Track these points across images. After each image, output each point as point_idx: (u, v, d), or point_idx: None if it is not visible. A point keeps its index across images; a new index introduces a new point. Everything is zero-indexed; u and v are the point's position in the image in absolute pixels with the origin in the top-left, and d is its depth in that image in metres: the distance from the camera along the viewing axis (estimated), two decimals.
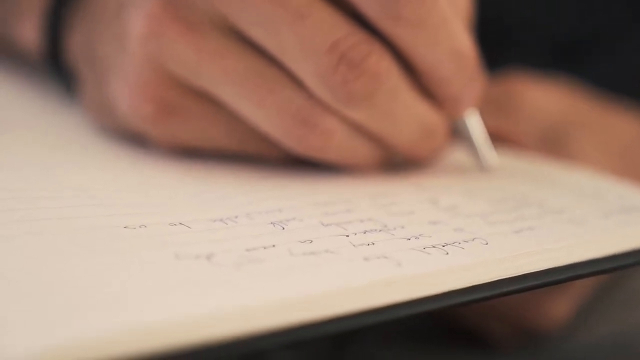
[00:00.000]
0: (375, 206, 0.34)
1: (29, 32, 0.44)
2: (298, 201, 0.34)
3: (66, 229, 0.29)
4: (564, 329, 0.44)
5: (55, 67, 0.42)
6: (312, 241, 0.30)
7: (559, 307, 0.43)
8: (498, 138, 0.44)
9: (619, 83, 0.52)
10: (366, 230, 0.31)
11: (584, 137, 0.44)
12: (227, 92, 0.35)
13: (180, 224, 0.30)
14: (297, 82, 0.34)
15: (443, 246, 0.30)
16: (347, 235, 0.30)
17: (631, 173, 0.44)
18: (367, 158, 0.37)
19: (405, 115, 0.35)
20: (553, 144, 0.44)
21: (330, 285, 0.26)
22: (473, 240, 0.31)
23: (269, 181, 0.36)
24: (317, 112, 0.34)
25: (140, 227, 0.30)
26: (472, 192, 0.37)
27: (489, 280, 0.29)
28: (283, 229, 0.31)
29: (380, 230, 0.31)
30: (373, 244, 0.30)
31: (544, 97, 0.45)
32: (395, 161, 0.38)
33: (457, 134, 0.38)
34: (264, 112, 0.34)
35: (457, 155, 0.41)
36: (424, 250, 0.30)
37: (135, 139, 0.38)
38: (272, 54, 0.34)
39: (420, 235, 0.31)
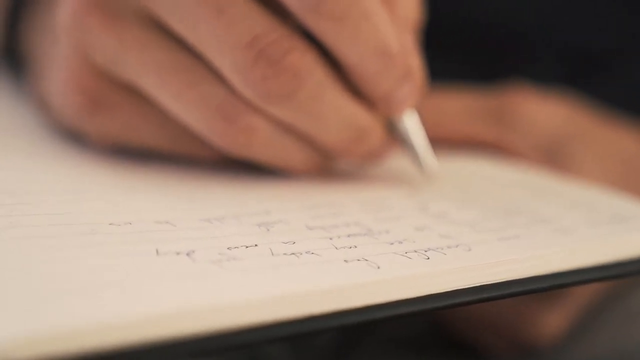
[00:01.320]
0: (364, 211, 0.34)
1: None
2: (287, 204, 0.34)
3: (49, 224, 0.29)
4: (560, 342, 0.44)
5: (11, 61, 0.43)
6: (294, 242, 0.30)
7: (554, 320, 0.43)
8: (497, 148, 0.44)
9: (634, 100, 0.52)
10: (350, 234, 0.31)
11: (583, 150, 0.44)
12: (148, 83, 0.35)
13: (166, 222, 0.31)
14: (219, 77, 0.34)
15: (425, 251, 0.30)
16: (331, 238, 0.31)
17: (631, 187, 0.43)
18: (299, 159, 0.36)
19: (332, 114, 0.35)
20: (552, 156, 0.44)
21: (305, 285, 0.26)
22: (457, 246, 0.31)
23: (261, 183, 0.36)
24: (238, 108, 0.34)
25: (125, 224, 0.30)
26: (465, 199, 0.37)
27: (468, 286, 0.29)
28: (268, 230, 0.31)
29: (364, 234, 0.31)
30: (355, 247, 0.30)
31: (544, 110, 0.45)
32: (332, 163, 0.38)
33: (397, 136, 0.37)
34: (185, 105, 0.34)
35: (451, 162, 0.41)
36: (405, 254, 0.30)
37: (74, 135, 0.38)
38: (194, 48, 0.34)
39: (404, 240, 0.31)
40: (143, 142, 0.37)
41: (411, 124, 0.37)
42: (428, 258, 0.30)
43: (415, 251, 0.30)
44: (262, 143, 0.35)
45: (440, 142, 0.44)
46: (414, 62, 0.36)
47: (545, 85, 0.51)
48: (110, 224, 0.30)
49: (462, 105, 0.46)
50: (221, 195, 0.35)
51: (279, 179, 0.37)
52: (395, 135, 0.37)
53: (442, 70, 0.56)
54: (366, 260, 0.29)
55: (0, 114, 0.43)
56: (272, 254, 0.29)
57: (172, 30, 0.34)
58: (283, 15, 0.34)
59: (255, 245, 0.29)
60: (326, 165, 0.38)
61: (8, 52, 0.44)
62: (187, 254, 0.28)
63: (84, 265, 0.26)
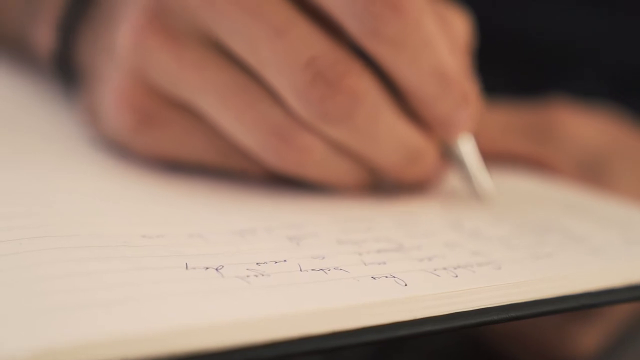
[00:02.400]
0: (396, 226, 0.34)
1: (43, 35, 0.45)
2: (320, 217, 0.34)
3: (83, 234, 0.30)
4: (594, 357, 0.43)
5: (63, 72, 0.44)
6: (324, 257, 0.30)
7: (588, 337, 0.42)
8: (537, 164, 0.44)
9: None
10: (380, 249, 0.31)
11: (623, 167, 0.44)
12: (207, 103, 0.35)
13: (199, 235, 0.31)
14: (276, 97, 0.34)
15: (454, 268, 0.30)
16: (361, 254, 0.31)
17: None
18: (350, 178, 0.37)
19: (387, 136, 0.35)
20: (592, 172, 0.44)
21: (330, 302, 0.27)
22: (487, 264, 0.31)
23: (296, 195, 0.37)
24: (295, 128, 0.34)
25: (157, 236, 0.31)
26: (499, 215, 0.37)
27: (494, 305, 0.29)
28: (298, 244, 0.31)
29: (394, 250, 0.31)
30: (384, 263, 0.30)
31: (585, 126, 0.45)
32: (385, 185, 0.38)
33: (452, 160, 0.38)
34: (242, 125, 0.35)
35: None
36: (434, 272, 0.30)
37: (120, 149, 0.39)
38: (252, 68, 0.34)
39: (434, 256, 0.31)
40: (192, 158, 0.37)
41: (467, 148, 0.37)
42: (456, 276, 0.30)
43: (445, 268, 0.30)
44: (316, 162, 0.35)
45: (481, 156, 0.44)
46: (470, 85, 0.36)
47: (589, 101, 0.51)
48: (142, 236, 0.30)
49: (503, 120, 0.46)
50: (255, 207, 0.35)
51: (313, 192, 0.37)
52: (449, 159, 0.38)
53: (486, 84, 0.56)
54: (394, 277, 0.29)
55: (49, 121, 0.44)
56: (301, 270, 0.29)
57: (231, 51, 0.35)
58: (341, 37, 0.34)
59: (284, 260, 0.30)
60: (376, 183, 0.38)
61: (62, 60, 0.45)
62: (216, 269, 0.28)
63: (113, 278, 0.27)
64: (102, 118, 0.38)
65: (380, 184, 0.38)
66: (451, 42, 0.35)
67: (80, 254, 0.28)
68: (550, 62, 0.58)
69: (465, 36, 0.37)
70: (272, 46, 0.33)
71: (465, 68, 0.36)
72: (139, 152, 0.38)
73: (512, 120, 0.45)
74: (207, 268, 0.28)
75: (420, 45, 0.34)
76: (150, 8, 0.35)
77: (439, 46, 0.34)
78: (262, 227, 0.33)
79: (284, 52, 0.33)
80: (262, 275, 0.28)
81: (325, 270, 0.29)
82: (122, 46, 0.36)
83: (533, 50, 0.58)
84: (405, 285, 0.28)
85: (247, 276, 0.28)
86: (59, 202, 0.33)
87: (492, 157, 0.44)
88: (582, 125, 0.45)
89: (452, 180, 0.39)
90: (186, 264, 0.28)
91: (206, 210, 0.34)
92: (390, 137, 0.35)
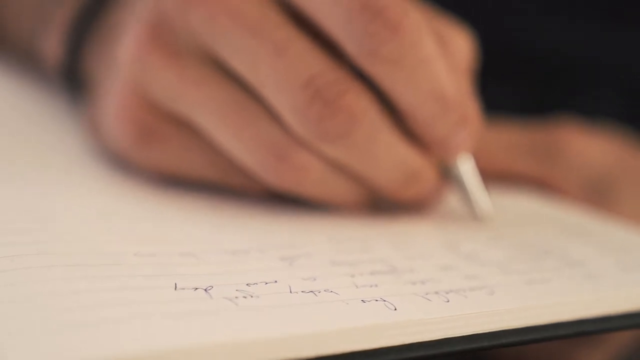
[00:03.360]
0: (392, 247, 0.34)
1: (52, 45, 0.45)
2: (315, 237, 0.34)
3: (75, 251, 0.30)
4: None
5: (70, 83, 0.44)
6: (315, 279, 0.30)
7: (596, 359, 0.42)
8: (541, 184, 0.44)
9: None
10: (374, 271, 0.31)
11: (629, 190, 0.44)
12: (206, 120, 0.35)
13: (191, 254, 0.31)
14: (274, 116, 0.34)
15: (446, 293, 0.30)
16: (353, 276, 0.31)
17: None
18: (348, 196, 0.37)
19: (385, 155, 0.35)
20: (598, 194, 0.44)
21: (316, 326, 0.27)
22: (480, 289, 0.31)
23: (294, 214, 0.37)
24: (293, 147, 0.34)
25: (149, 255, 0.31)
26: (497, 237, 0.36)
27: (484, 331, 0.28)
28: (291, 264, 0.31)
29: (387, 273, 0.31)
30: (376, 285, 0.30)
31: (592, 147, 0.45)
32: (383, 203, 0.38)
33: (451, 180, 0.38)
34: (241, 143, 0.35)
35: (491, 197, 0.40)
36: (425, 296, 0.30)
37: (122, 161, 0.39)
38: (251, 86, 0.34)
39: (427, 280, 0.31)
40: (191, 174, 0.37)
41: (466, 168, 0.37)
42: (448, 301, 0.29)
43: (437, 293, 0.30)
44: (314, 181, 0.35)
45: (485, 175, 0.44)
46: (470, 106, 0.36)
47: (601, 119, 0.51)
48: (135, 255, 0.30)
49: (508, 138, 0.45)
50: (252, 225, 0.35)
51: (312, 209, 0.37)
52: (448, 179, 0.37)
53: (497, 100, 0.56)
54: (384, 300, 0.29)
55: (54, 132, 0.44)
56: (290, 292, 0.29)
57: (232, 68, 0.35)
58: (341, 57, 0.34)
59: (275, 281, 0.29)
60: (375, 202, 0.38)
61: (69, 71, 0.45)
62: (205, 290, 0.28)
63: (100, 298, 0.27)
64: (104, 131, 0.39)
65: (379, 203, 0.38)
66: (451, 61, 0.35)
67: (69, 272, 0.28)
68: (564, 79, 0.58)
69: (466, 55, 0.37)
70: (271, 64, 0.33)
71: (465, 88, 0.36)
72: (139, 166, 0.38)
73: (517, 138, 0.45)
74: (196, 288, 0.28)
75: (418, 66, 0.34)
76: (152, 24, 0.35)
77: (438, 66, 0.34)
78: (255, 247, 0.32)
79: (283, 70, 0.33)
80: (251, 296, 0.28)
81: (316, 293, 0.29)
82: (124, 61, 0.36)
83: (546, 67, 0.58)
84: (395, 309, 0.28)
85: (236, 297, 0.28)
86: (55, 218, 0.33)
87: (497, 176, 0.44)
88: (588, 146, 0.45)
89: (452, 200, 0.39)
90: (175, 284, 0.28)
91: (202, 228, 0.34)
92: (389, 157, 0.35)
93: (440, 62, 0.34)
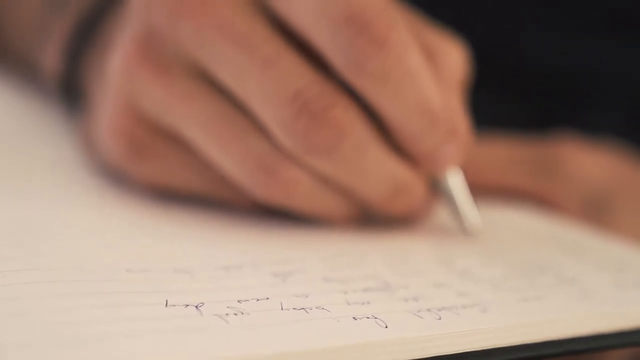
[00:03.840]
0: (386, 263, 0.34)
1: (51, 58, 0.45)
2: (309, 252, 0.34)
3: (69, 267, 0.30)
4: None
5: (68, 96, 0.44)
6: (307, 296, 0.30)
7: None
8: (539, 199, 0.44)
9: None
10: (367, 288, 0.31)
11: (627, 206, 0.44)
12: (194, 134, 0.35)
13: (184, 270, 0.31)
14: (262, 130, 0.35)
15: (439, 310, 0.30)
16: (346, 292, 0.31)
17: None
18: (338, 210, 0.37)
19: (373, 169, 0.35)
20: (595, 211, 0.44)
21: (306, 344, 0.27)
22: (473, 306, 0.31)
23: (288, 229, 0.37)
24: (280, 161, 0.35)
25: (143, 271, 0.31)
26: (493, 253, 0.36)
27: (475, 349, 0.28)
28: (284, 281, 0.31)
29: (380, 289, 0.31)
30: (368, 303, 0.30)
31: (591, 163, 0.45)
32: (374, 216, 0.38)
33: (440, 193, 0.37)
34: (229, 157, 0.35)
35: (488, 212, 0.40)
36: (417, 313, 0.30)
37: (116, 175, 0.39)
38: (239, 99, 0.34)
39: (420, 297, 0.31)
40: (182, 187, 0.38)
41: (455, 182, 0.37)
42: (439, 318, 0.29)
43: (429, 310, 0.30)
44: (303, 195, 0.35)
45: (483, 190, 0.44)
46: (458, 120, 0.36)
47: (604, 134, 0.51)
48: (127, 271, 0.30)
49: (508, 153, 0.45)
50: (246, 240, 0.35)
51: (305, 224, 0.37)
52: (438, 192, 0.37)
53: (499, 113, 0.56)
54: (375, 318, 0.29)
55: (51, 145, 0.44)
56: (282, 309, 0.29)
57: (220, 82, 0.35)
58: (329, 70, 0.34)
59: (267, 298, 0.29)
60: (364, 215, 0.38)
61: (67, 84, 0.45)
62: (196, 307, 0.28)
63: (90, 314, 0.27)
64: (97, 144, 0.39)
65: (370, 216, 0.38)
66: (440, 75, 0.35)
67: (61, 288, 0.28)
68: (569, 93, 0.58)
69: (457, 68, 0.37)
70: (259, 77, 0.33)
71: (455, 101, 0.36)
72: (133, 179, 0.38)
73: (516, 153, 0.45)
74: (187, 305, 0.28)
75: (404, 81, 0.34)
76: (141, 37, 0.35)
77: (424, 81, 0.34)
78: (249, 262, 0.32)
79: (271, 84, 0.33)
80: (242, 313, 0.28)
81: (307, 310, 0.29)
82: (113, 74, 0.36)
83: (550, 81, 0.58)
84: (386, 327, 0.28)
85: (227, 314, 0.28)
86: (48, 233, 0.33)
87: (495, 191, 0.44)
88: (588, 161, 0.45)
89: (446, 214, 0.39)
90: (167, 300, 0.28)
91: (196, 243, 0.34)
92: (376, 171, 0.35)
93: (428, 76, 0.34)
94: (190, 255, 0.33)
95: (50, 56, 0.46)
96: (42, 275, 0.29)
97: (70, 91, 0.45)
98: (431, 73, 0.34)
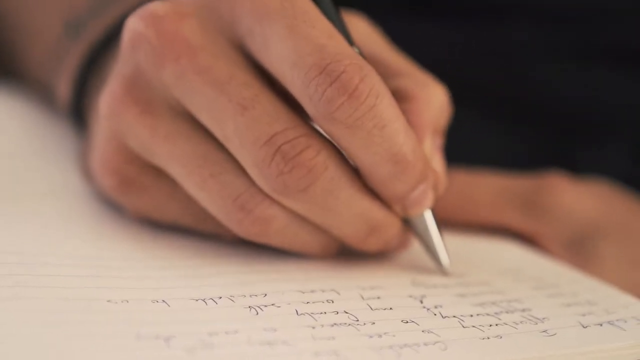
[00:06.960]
0: (359, 299, 0.35)
1: (63, 87, 0.48)
2: (287, 285, 0.36)
3: (52, 297, 0.32)
4: None
5: (77, 124, 0.46)
6: (276, 330, 0.32)
7: None
8: (525, 238, 0.45)
9: None
10: (335, 323, 0.33)
11: (612, 246, 0.45)
12: (176, 172, 0.37)
13: (163, 301, 0.33)
14: (240, 168, 0.36)
15: (400, 347, 0.31)
16: (314, 327, 0.32)
17: None
18: (313, 245, 0.38)
19: (345, 209, 0.36)
20: (583, 250, 0.45)
21: None
22: (435, 343, 0.32)
23: (271, 260, 0.38)
24: (256, 199, 0.36)
25: (122, 301, 0.32)
26: (466, 291, 0.38)
27: None
28: (257, 313, 0.33)
29: (348, 325, 0.33)
30: (334, 338, 0.32)
31: (580, 200, 0.46)
32: (350, 250, 0.39)
33: (413, 230, 0.39)
34: (206, 194, 0.37)
35: (469, 245, 0.42)
36: (379, 350, 0.31)
37: (112, 204, 0.41)
38: (219, 140, 0.36)
39: (385, 333, 0.32)
40: (169, 220, 0.40)
41: (426, 223, 0.38)
42: (399, 355, 0.31)
43: (391, 347, 0.31)
44: (278, 232, 0.37)
45: (472, 226, 0.45)
46: (430, 165, 0.37)
47: (608, 164, 0.51)
48: (107, 301, 0.32)
49: (497, 187, 0.46)
50: (227, 271, 0.37)
51: (288, 257, 0.38)
52: (412, 230, 0.39)
53: (502, 143, 0.57)
54: (337, 355, 0.30)
55: (54, 173, 0.46)
56: (249, 343, 0.30)
57: (201, 122, 0.37)
58: (305, 113, 0.36)
59: (236, 331, 0.31)
60: (341, 248, 0.39)
61: (76, 113, 0.47)
62: (165, 340, 0.30)
63: (62, 345, 0.28)
64: (93, 175, 0.41)
65: (346, 249, 0.39)
66: (416, 119, 0.37)
67: (38, 317, 0.30)
68: (576, 127, 0.58)
69: (434, 112, 0.38)
70: (236, 121, 0.35)
71: (429, 145, 0.37)
72: (127, 210, 0.40)
73: (505, 189, 0.46)
74: (156, 338, 0.30)
75: (373, 130, 0.35)
76: (127, 78, 0.37)
77: (395, 129, 0.35)
78: (227, 294, 0.34)
79: (247, 127, 0.35)
80: (209, 347, 0.30)
81: (272, 345, 0.30)
82: (101, 113, 0.38)
83: (557, 115, 0.58)
84: None
85: (194, 348, 0.29)
86: (36, 261, 0.35)
87: (482, 227, 0.45)
88: (575, 198, 0.46)
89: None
90: (138, 333, 0.30)
91: (178, 274, 0.36)
92: (349, 210, 0.37)
93: (400, 123, 0.35)
94: (171, 287, 0.34)
95: (63, 83, 0.48)
96: (24, 304, 0.31)
97: (78, 119, 0.47)
98: (404, 120, 0.36)
